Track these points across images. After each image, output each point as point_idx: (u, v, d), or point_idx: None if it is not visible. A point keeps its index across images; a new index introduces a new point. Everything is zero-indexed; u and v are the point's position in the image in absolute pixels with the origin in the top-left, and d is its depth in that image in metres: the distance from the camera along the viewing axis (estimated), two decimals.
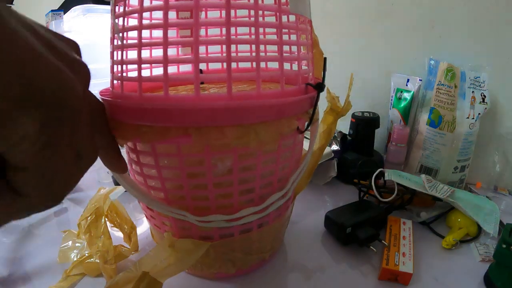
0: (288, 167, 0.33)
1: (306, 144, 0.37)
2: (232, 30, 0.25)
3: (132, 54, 0.27)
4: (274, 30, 0.36)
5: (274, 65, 0.30)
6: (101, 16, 0.95)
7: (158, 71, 0.41)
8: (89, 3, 0.97)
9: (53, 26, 0.89)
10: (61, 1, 1.23)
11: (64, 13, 0.92)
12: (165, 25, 0.23)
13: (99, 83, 0.77)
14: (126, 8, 0.25)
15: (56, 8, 0.93)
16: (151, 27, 0.25)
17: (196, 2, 0.23)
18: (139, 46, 0.24)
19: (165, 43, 0.23)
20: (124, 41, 0.28)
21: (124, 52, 0.27)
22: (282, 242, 0.43)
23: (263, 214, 0.31)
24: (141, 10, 0.24)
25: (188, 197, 0.29)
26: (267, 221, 0.34)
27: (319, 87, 0.30)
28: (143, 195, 0.30)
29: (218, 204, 0.29)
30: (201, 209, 0.30)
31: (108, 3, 0.28)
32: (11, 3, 0.95)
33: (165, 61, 0.23)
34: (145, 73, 0.31)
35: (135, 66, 0.25)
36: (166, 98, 0.24)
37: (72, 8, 0.94)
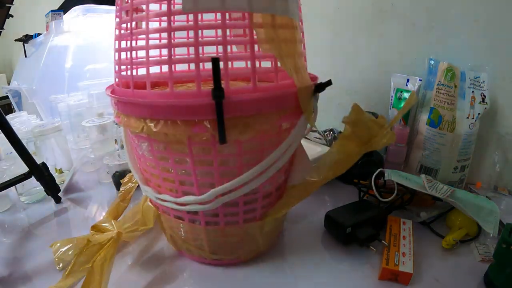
0: (285, 171, 0.35)
1: (310, 149, 0.38)
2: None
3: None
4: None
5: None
6: (101, 16, 0.95)
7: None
8: (89, 3, 0.97)
9: (53, 26, 0.89)
10: (61, 1, 1.23)
11: (64, 13, 0.92)
12: (169, 29, 0.26)
13: (99, 83, 0.77)
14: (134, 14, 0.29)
15: (56, 8, 0.93)
16: (160, 31, 0.29)
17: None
18: (147, 48, 0.27)
19: (169, 45, 0.26)
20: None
21: (134, 53, 0.30)
22: (283, 242, 0.43)
23: (205, 206, 0.32)
24: (147, 16, 0.27)
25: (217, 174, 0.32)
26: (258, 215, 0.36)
27: (320, 87, 0.31)
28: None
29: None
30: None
31: (107, 4, 0.31)
32: (11, 3, 0.95)
33: (170, 61, 0.26)
34: (141, 71, 0.34)
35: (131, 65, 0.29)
36: (171, 94, 0.27)
37: (72, 8, 0.94)
